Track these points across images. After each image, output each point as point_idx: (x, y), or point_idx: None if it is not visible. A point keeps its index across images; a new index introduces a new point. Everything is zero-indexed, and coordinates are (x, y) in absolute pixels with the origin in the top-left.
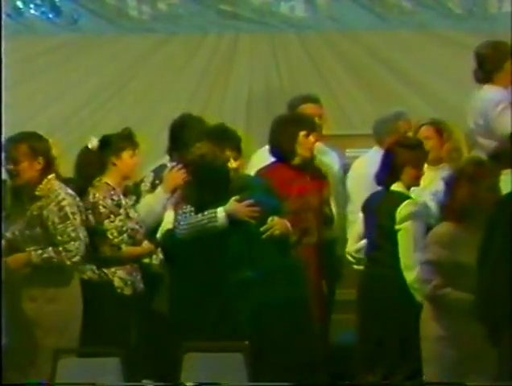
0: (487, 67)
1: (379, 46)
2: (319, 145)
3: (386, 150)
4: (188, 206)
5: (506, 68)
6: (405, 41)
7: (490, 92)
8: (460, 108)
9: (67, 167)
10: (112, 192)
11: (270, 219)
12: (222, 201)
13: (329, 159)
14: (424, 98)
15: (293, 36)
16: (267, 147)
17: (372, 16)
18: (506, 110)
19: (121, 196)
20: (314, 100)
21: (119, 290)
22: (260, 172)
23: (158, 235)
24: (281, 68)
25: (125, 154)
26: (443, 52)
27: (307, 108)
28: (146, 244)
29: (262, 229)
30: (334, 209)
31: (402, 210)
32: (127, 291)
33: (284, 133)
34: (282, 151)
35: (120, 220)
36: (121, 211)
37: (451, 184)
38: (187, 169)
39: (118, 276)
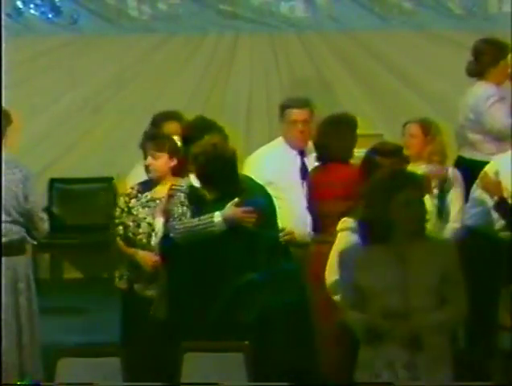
0: (483, 61)
1: (379, 46)
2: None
3: (364, 158)
4: (180, 208)
5: (502, 65)
6: (405, 41)
7: (482, 88)
8: (457, 110)
9: (68, 166)
10: (134, 186)
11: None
12: (228, 194)
13: None
14: (424, 98)
15: (293, 36)
16: (261, 151)
17: (372, 16)
18: (497, 104)
19: (145, 192)
20: (301, 104)
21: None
22: (321, 172)
23: (153, 242)
24: (281, 68)
25: (149, 156)
26: (443, 52)
27: (291, 114)
28: (142, 251)
29: (281, 235)
30: None
31: (339, 224)
32: (121, 285)
33: (348, 134)
34: (344, 151)
35: (115, 211)
36: (120, 203)
37: (363, 199)
38: (196, 161)
39: (119, 267)
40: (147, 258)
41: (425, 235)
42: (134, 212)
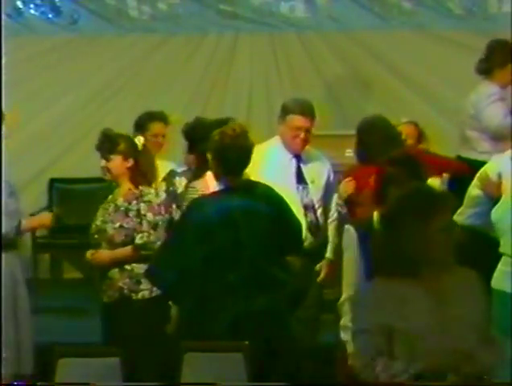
0: (492, 60)
1: (379, 46)
2: (312, 149)
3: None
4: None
5: (509, 68)
6: (405, 41)
7: (485, 86)
8: (459, 108)
9: (68, 166)
10: None
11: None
12: (231, 187)
13: (322, 164)
14: (424, 98)
15: (293, 36)
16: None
17: (372, 16)
18: (497, 102)
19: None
20: (307, 112)
21: None
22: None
23: None
24: (281, 68)
25: (103, 158)
26: (443, 52)
27: (295, 120)
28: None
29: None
30: (320, 216)
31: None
32: None
33: (386, 130)
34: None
35: None
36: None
37: (386, 224)
38: (211, 141)
39: None
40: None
41: (451, 265)
42: (98, 212)
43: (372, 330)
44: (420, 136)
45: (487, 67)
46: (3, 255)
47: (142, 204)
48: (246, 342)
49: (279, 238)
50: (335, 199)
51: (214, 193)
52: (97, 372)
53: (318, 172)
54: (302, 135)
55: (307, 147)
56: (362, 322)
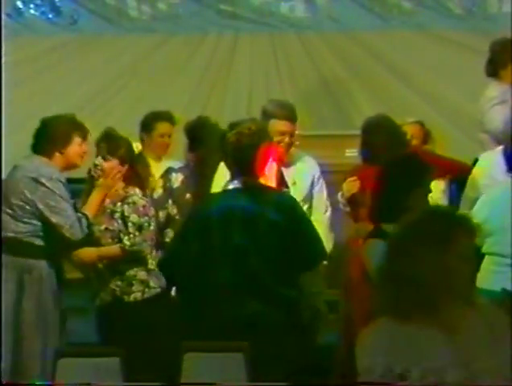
0: (495, 62)
1: (379, 46)
2: (296, 151)
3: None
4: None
5: (510, 67)
6: (405, 41)
7: (491, 88)
8: (459, 108)
9: None
10: None
11: None
12: (242, 188)
13: (305, 165)
14: (424, 98)
15: (293, 36)
16: None
17: (372, 16)
18: (497, 107)
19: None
20: (291, 117)
21: None
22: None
23: None
24: (281, 68)
25: (100, 156)
26: (443, 52)
27: (280, 126)
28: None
29: None
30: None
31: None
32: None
33: (392, 129)
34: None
35: None
36: None
37: (396, 254)
38: (227, 138)
39: None
40: None
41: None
42: None
43: (376, 371)
44: (426, 136)
45: (492, 69)
46: (40, 261)
47: (125, 206)
48: (246, 343)
49: (288, 249)
50: (324, 198)
51: (224, 191)
52: (97, 372)
53: (300, 173)
54: (287, 139)
55: (295, 150)
56: (366, 365)
